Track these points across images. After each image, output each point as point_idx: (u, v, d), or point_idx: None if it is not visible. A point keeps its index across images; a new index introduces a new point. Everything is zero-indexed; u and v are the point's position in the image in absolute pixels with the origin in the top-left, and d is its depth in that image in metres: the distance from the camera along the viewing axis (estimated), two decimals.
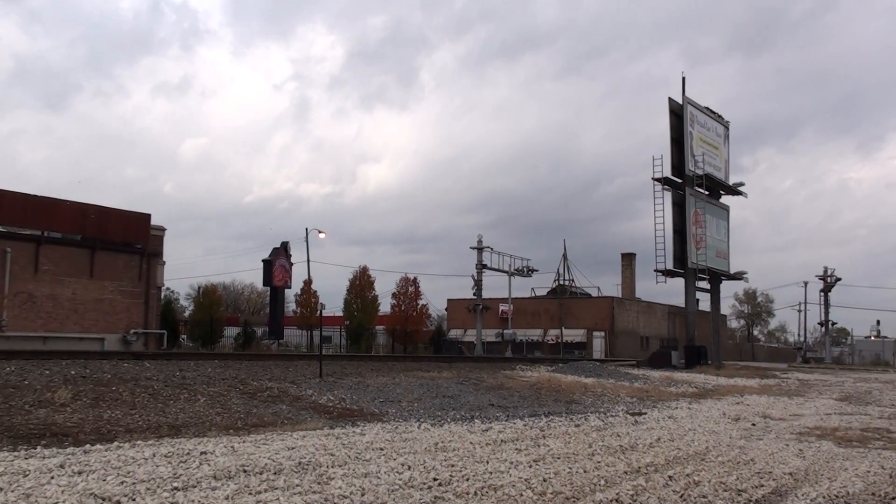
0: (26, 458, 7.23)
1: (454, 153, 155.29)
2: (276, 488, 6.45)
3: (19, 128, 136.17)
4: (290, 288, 52.51)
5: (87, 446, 8.11)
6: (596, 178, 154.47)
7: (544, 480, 7.30)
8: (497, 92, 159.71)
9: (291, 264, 50.33)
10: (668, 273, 40.51)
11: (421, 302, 55.37)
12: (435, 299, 73.57)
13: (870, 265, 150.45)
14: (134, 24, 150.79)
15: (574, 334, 59.39)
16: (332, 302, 59.90)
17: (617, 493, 6.84)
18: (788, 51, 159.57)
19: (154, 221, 34.92)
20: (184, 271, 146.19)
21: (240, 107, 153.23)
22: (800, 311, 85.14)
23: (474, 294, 52.47)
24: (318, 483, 6.73)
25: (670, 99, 41.06)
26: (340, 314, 55.91)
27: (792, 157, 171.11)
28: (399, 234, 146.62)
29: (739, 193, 46.09)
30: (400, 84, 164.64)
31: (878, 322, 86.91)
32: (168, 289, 53.16)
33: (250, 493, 6.21)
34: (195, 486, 6.36)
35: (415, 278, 55.47)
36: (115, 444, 8.35)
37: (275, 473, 7.05)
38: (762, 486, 7.60)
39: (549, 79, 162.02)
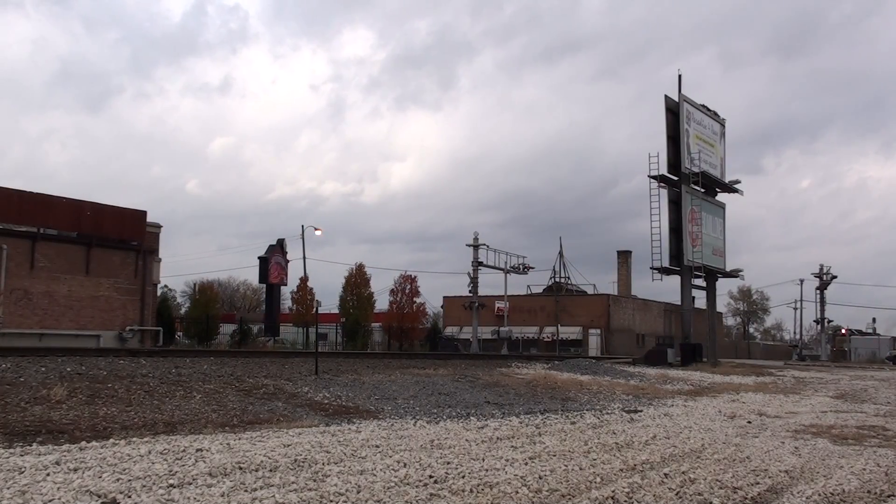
0: (22, 455, 7.22)
1: (480, 152, 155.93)
2: (272, 485, 6.45)
3: (52, 128, 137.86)
4: (285, 285, 52.52)
5: (83, 443, 8.10)
6: (615, 178, 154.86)
7: (540, 478, 7.31)
8: (528, 93, 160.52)
9: (287, 261, 50.30)
10: (664, 271, 40.51)
11: (418, 300, 55.38)
12: (438, 297, 73.44)
13: (878, 264, 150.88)
14: (178, 26, 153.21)
15: (570, 332, 59.41)
16: (333, 299, 59.83)
17: (613, 491, 6.85)
18: (823, 54, 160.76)
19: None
20: (192, 268, 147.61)
21: (277, 107, 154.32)
22: (796, 308, 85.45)
23: (470, 291, 52.49)
24: (314, 480, 6.73)
25: (666, 97, 41.01)
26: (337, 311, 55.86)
27: (813, 158, 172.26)
28: (411, 233, 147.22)
29: (735, 191, 46.11)
30: (438, 87, 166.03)
31: (874, 320, 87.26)
32: (165, 286, 53.14)
33: (246, 491, 6.20)
34: (191, 483, 6.36)
35: (414, 276, 55.48)
36: (111, 441, 8.34)
37: (270, 471, 7.04)
38: (758, 483, 7.61)
39: (584, 82, 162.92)
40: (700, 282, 43.01)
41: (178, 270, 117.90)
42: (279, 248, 49.75)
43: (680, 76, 41.86)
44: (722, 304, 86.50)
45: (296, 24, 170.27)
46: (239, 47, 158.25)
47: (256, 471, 7.00)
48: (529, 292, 64.69)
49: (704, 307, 45.13)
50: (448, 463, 7.89)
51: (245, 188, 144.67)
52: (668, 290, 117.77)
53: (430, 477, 7.10)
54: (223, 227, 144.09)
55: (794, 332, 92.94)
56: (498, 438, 10.09)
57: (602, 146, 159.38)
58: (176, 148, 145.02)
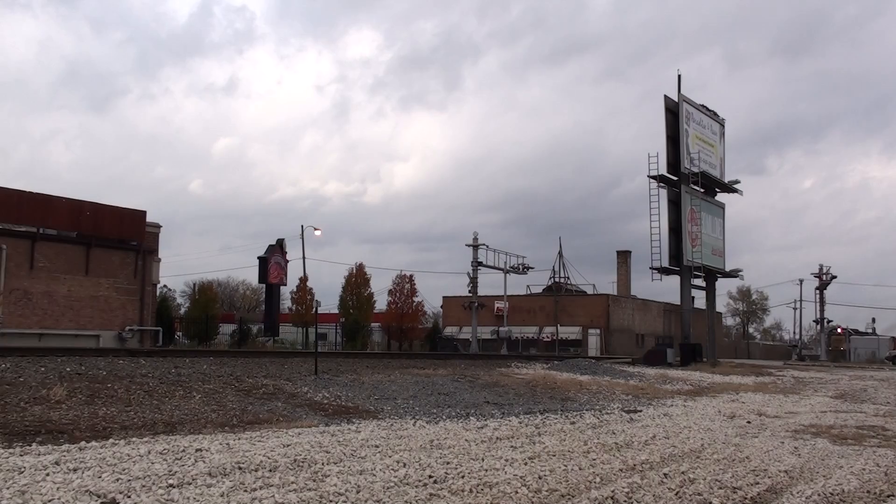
0: (22, 455, 7.22)
1: (483, 153, 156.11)
2: (272, 485, 6.45)
3: (57, 129, 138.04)
4: (285, 285, 52.46)
5: (83, 443, 8.10)
6: (617, 179, 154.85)
7: (539, 478, 7.31)
8: (533, 94, 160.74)
9: (287, 261, 50.29)
10: (663, 271, 40.55)
11: (417, 299, 55.38)
12: (439, 297, 73.43)
13: (878, 264, 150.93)
14: (184, 27, 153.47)
15: (569, 332, 59.40)
16: (333, 299, 59.72)
17: (612, 491, 6.85)
18: (828, 55, 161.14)
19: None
20: (194, 269, 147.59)
21: (281, 108, 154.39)
22: (795, 308, 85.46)
23: (470, 291, 52.50)
24: (314, 480, 6.73)
25: (666, 97, 41.02)
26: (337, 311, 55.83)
27: (816, 158, 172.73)
28: (413, 233, 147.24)
29: (735, 191, 46.18)
30: (443, 87, 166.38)
31: (874, 320, 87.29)
32: (164, 286, 53.09)
33: (245, 491, 6.20)
34: (190, 483, 6.36)
35: (411, 276, 55.47)
36: (111, 441, 8.34)
37: (270, 471, 7.04)
38: (757, 483, 7.62)
39: (589, 83, 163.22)
40: (699, 282, 43.05)
41: (180, 271, 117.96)
42: (279, 248, 49.73)
43: (679, 76, 41.94)
44: (721, 305, 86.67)
45: (301, 24, 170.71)
46: (245, 48, 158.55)
47: (256, 471, 7.00)
48: (529, 292, 64.71)
49: (704, 307, 45.15)
50: (447, 463, 7.90)
51: (248, 188, 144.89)
52: (668, 290, 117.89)
53: (430, 477, 7.10)
54: (226, 227, 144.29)
55: (794, 333, 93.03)
56: (497, 438, 10.09)
57: (606, 147, 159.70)
58: (180, 148, 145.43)
